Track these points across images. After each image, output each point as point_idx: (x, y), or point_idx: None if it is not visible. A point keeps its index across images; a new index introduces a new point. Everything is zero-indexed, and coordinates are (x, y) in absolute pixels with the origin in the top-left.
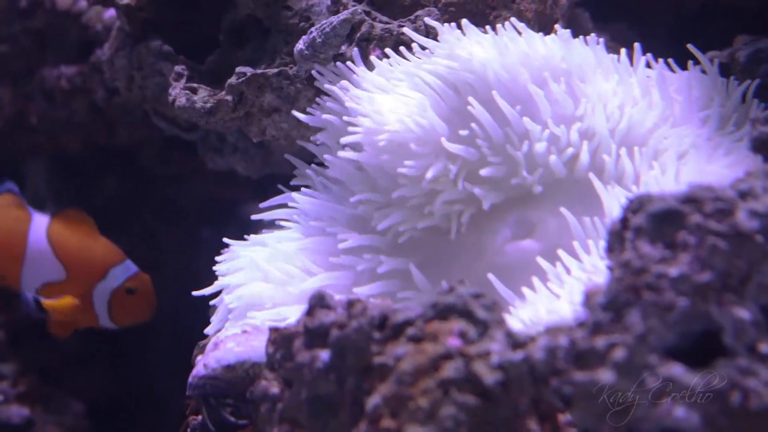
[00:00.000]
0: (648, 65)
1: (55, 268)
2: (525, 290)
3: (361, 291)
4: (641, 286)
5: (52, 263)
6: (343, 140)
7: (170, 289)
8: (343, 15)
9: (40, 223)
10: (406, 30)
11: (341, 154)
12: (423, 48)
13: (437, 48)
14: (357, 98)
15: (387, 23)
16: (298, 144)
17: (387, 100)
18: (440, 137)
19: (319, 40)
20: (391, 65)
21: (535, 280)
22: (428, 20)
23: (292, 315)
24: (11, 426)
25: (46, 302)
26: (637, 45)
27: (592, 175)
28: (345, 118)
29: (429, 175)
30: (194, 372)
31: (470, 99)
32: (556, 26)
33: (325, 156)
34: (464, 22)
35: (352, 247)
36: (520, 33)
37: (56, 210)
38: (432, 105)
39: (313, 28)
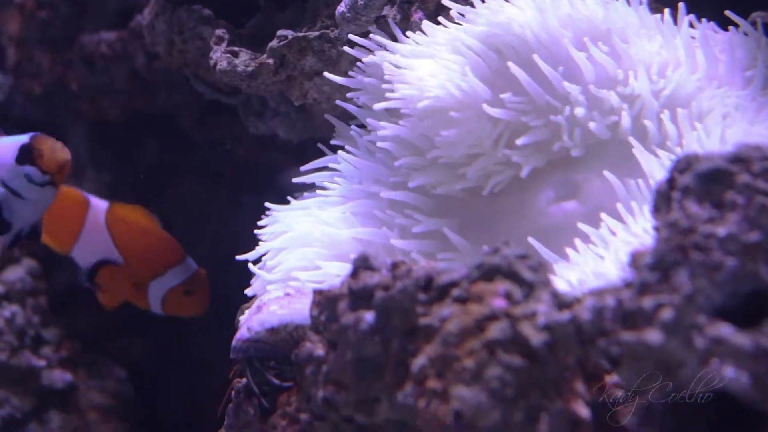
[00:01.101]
0: (691, 25)
1: (110, 249)
2: (569, 252)
3: (400, 244)
4: (689, 246)
5: (108, 245)
6: (380, 105)
7: (211, 254)
8: None
9: (98, 205)
10: None
11: (383, 123)
12: (461, 14)
13: (479, 11)
14: (396, 64)
15: None
16: (340, 106)
17: (427, 64)
18: (482, 101)
19: (361, 2)
20: (431, 30)
21: (579, 243)
22: None
23: (335, 276)
24: (54, 390)
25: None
26: (681, 4)
27: (632, 139)
28: (384, 86)
29: (471, 140)
30: (238, 335)
31: (509, 63)
32: None
33: (368, 119)
34: None
35: (394, 204)
36: None
37: (112, 199)
38: (473, 68)
39: None
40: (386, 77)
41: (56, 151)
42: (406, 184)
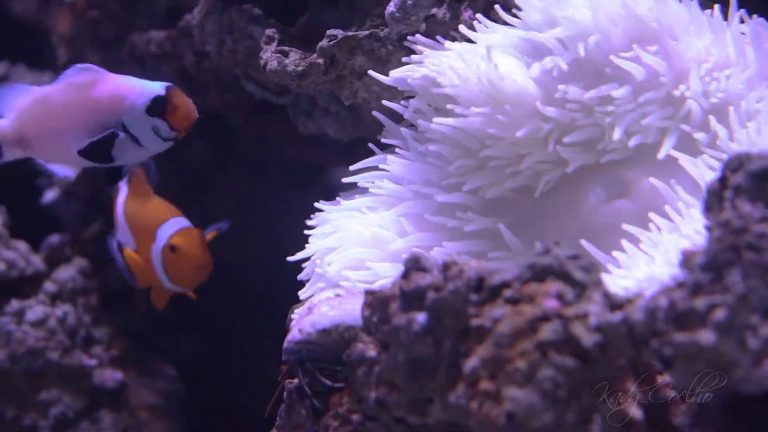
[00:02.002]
0: (741, 21)
1: (127, 236)
2: (620, 252)
3: (452, 246)
4: (742, 245)
5: (125, 231)
6: (434, 104)
7: (259, 252)
8: None
9: (122, 193)
10: None
11: (436, 120)
12: (516, 9)
13: (531, 9)
14: (448, 63)
15: None
16: (389, 106)
17: (479, 64)
18: (534, 100)
19: (410, 1)
20: (481, 29)
21: (629, 243)
22: None
23: (387, 277)
24: (105, 389)
25: (127, 252)
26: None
27: (677, 153)
28: (434, 89)
29: (520, 133)
30: (289, 337)
31: (560, 61)
32: None
33: (419, 121)
34: None
35: (445, 205)
36: None
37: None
38: (525, 67)
39: None
40: (438, 78)
41: (189, 109)
42: (458, 186)
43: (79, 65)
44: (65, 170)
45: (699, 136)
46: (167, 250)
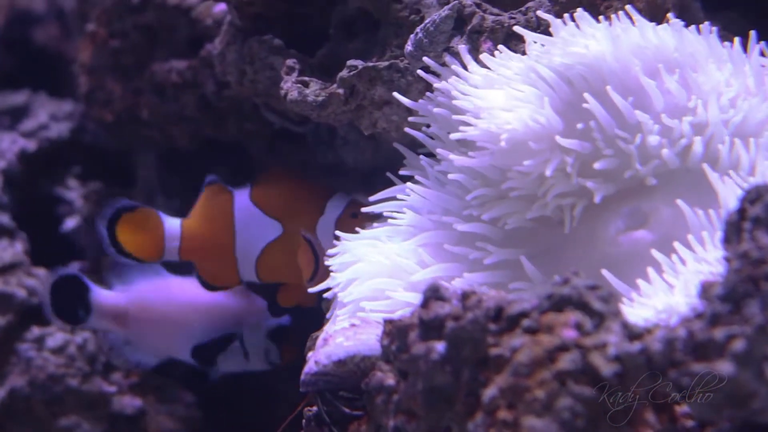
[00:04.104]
0: (762, 54)
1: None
2: (640, 282)
3: (472, 277)
4: (760, 276)
5: (265, 222)
6: (456, 136)
7: None
8: (444, 12)
9: (241, 195)
10: (517, 28)
11: (454, 157)
12: (535, 42)
13: (552, 43)
14: (468, 95)
15: (498, 15)
16: (409, 134)
17: (499, 96)
18: (556, 133)
19: (426, 40)
20: (502, 59)
21: (650, 272)
22: (540, 13)
23: (405, 305)
24: (124, 416)
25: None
26: (752, 32)
27: (706, 166)
28: (455, 117)
29: (548, 172)
30: (306, 369)
31: (585, 94)
32: (668, 15)
33: (438, 150)
34: (579, 12)
35: (465, 235)
36: (633, 22)
37: (253, 181)
38: (547, 100)
39: (418, 28)
40: (459, 107)
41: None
42: (478, 216)
43: None
44: (147, 357)
45: (721, 164)
46: (347, 216)
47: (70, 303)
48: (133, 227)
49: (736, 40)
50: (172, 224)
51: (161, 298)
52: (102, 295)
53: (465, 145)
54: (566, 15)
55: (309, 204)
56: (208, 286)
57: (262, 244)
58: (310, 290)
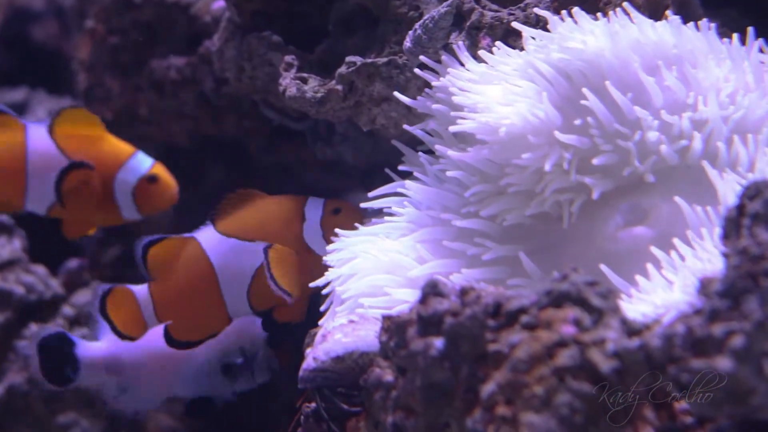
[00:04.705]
0: (761, 50)
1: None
2: (639, 278)
3: (471, 273)
4: (759, 272)
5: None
6: (456, 128)
7: None
8: (443, 8)
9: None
10: (516, 24)
11: (451, 152)
12: (533, 37)
13: (549, 38)
14: (466, 90)
15: (497, 11)
16: (407, 131)
17: (497, 91)
18: (555, 128)
19: (425, 37)
20: (500, 55)
21: (650, 268)
22: (538, 10)
23: (403, 302)
24: (125, 415)
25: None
26: (750, 29)
27: (705, 163)
28: (453, 113)
29: (547, 166)
30: (305, 365)
31: (584, 90)
32: (667, 12)
33: (437, 146)
34: (575, 9)
35: (463, 231)
36: (632, 19)
37: (213, 215)
38: (545, 95)
39: (417, 24)
40: (458, 102)
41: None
42: (476, 212)
43: None
44: (149, 403)
45: (720, 160)
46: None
47: (58, 363)
48: (115, 305)
49: (735, 36)
50: (142, 292)
51: (155, 336)
52: (90, 349)
53: (463, 141)
54: (564, 12)
55: (285, 215)
56: (175, 343)
57: (251, 271)
58: (310, 284)
